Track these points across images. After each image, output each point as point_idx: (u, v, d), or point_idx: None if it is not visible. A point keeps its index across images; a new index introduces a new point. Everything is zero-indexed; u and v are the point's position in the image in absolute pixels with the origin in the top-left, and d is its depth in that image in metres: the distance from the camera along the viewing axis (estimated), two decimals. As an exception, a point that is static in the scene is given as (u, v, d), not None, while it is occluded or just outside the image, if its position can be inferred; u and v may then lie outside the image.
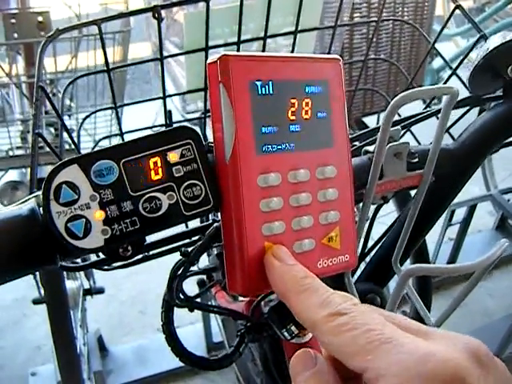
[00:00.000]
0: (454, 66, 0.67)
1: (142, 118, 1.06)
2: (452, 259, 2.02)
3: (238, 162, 0.34)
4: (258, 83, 0.35)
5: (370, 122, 1.56)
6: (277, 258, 0.35)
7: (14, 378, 1.82)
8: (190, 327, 1.88)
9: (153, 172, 0.35)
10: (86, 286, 1.70)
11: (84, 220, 0.33)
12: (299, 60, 0.38)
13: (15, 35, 1.43)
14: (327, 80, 0.39)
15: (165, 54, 0.64)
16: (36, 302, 1.55)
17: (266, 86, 0.35)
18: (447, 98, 0.44)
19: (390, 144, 0.48)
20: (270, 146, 0.36)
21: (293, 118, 0.37)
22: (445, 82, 0.66)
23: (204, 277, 1.23)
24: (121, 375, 1.79)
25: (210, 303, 0.97)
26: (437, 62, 2.41)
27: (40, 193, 0.38)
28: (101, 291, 1.71)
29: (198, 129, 0.37)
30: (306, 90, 0.37)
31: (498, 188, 2.09)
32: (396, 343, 0.26)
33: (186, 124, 0.38)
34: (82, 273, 1.67)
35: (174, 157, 0.35)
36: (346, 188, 0.40)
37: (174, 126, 0.36)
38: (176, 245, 0.53)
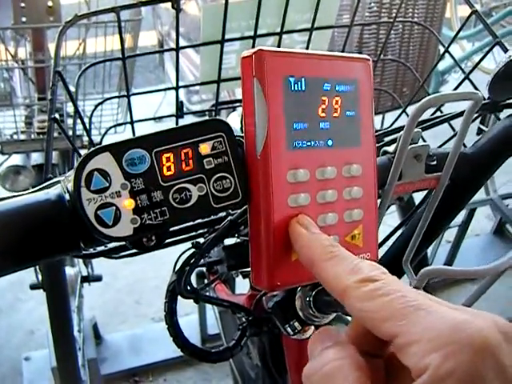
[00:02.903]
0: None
1: (141, 108, 1.05)
2: (449, 262, 2.03)
3: (269, 156, 0.34)
4: (292, 79, 0.35)
5: (375, 122, 1.56)
6: (302, 226, 0.35)
7: (7, 363, 1.82)
8: (185, 318, 1.88)
9: (184, 163, 0.35)
10: (84, 273, 1.70)
11: (114, 208, 0.33)
12: (331, 58, 0.38)
13: (23, 19, 1.42)
14: (357, 79, 0.39)
15: (172, 44, 0.64)
16: (33, 287, 1.54)
17: (299, 83, 0.36)
18: (471, 103, 0.44)
19: (411, 146, 0.48)
20: (300, 143, 0.36)
21: (323, 115, 0.37)
22: (456, 87, 0.67)
23: (203, 269, 1.23)
24: (114, 363, 1.80)
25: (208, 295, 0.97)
26: (442, 64, 2.40)
27: (62, 178, 0.38)
28: (98, 279, 1.71)
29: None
30: (337, 88, 0.37)
31: (498, 193, 2.09)
32: (430, 310, 0.26)
33: (218, 117, 0.38)
34: (80, 259, 1.67)
35: (205, 149, 0.35)
36: (371, 187, 0.40)
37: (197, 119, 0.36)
38: (185, 236, 0.53)
